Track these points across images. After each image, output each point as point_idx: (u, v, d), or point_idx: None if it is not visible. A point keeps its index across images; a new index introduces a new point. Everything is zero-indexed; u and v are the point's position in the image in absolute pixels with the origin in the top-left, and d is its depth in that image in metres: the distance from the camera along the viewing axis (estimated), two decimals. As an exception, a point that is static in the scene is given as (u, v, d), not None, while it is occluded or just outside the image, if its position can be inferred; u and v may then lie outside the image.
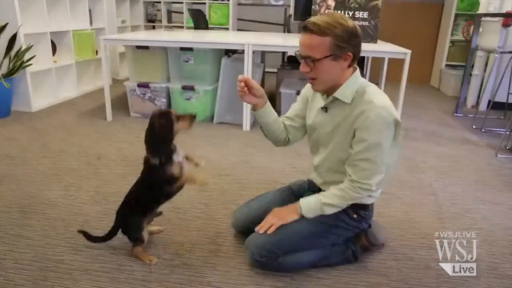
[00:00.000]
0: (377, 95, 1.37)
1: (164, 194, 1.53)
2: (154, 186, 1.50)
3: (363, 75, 3.87)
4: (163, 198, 1.56)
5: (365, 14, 3.38)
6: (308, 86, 1.61)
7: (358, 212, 1.54)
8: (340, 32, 1.29)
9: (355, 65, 1.42)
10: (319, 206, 1.47)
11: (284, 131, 1.62)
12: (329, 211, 1.47)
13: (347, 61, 1.35)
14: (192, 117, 1.47)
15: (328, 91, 1.44)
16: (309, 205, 1.49)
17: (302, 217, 1.49)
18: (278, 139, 1.63)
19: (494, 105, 3.72)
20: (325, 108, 1.48)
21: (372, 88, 1.40)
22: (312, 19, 1.31)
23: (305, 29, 1.31)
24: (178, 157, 1.49)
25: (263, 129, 1.61)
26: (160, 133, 1.43)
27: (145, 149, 1.48)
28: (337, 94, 1.41)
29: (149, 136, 1.46)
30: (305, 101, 1.62)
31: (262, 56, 4.10)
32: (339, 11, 3.42)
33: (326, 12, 3.45)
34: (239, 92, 1.47)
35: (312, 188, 1.67)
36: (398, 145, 1.47)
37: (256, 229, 1.51)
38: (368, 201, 1.54)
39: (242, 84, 1.45)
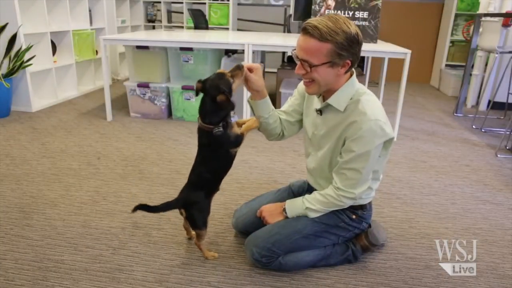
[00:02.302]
0: (371, 107, 1.33)
1: (231, 158, 1.52)
2: (223, 152, 1.49)
3: (363, 75, 3.88)
4: (229, 167, 1.55)
5: (365, 14, 3.38)
6: None
7: (356, 212, 1.54)
8: (342, 39, 1.23)
9: (352, 70, 1.38)
10: (302, 211, 1.50)
11: (280, 125, 1.61)
12: (313, 215, 1.50)
13: (344, 68, 1.31)
14: (241, 68, 1.41)
15: (324, 94, 1.44)
16: (294, 209, 1.52)
17: (285, 222, 1.52)
18: (273, 133, 1.61)
19: (494, 105, 3.73)
20: (319, 111, 1.47)
21: (367, 97, 1.36)
22: (314, 21, 1.24)
23: (305, 31, 1.26)
24: (232, 118, 1.49)
25: None
26: (223, 105, 1.38)
27: (203, 121, 1.43)
28: (331, 100, 1.39)
29: (209, 108, 1.41)
30: (302, 96, 1.60)
31: (262, 56, 4.10)
32: (339, 11, 3.42)
33: (326, 12, 3.44)
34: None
35: (311, 189, 1.67)
36: (387, 156, 1.47)
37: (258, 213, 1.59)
38: (364, 200, 1.54)
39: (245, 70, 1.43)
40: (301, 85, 1.61)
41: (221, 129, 1.42)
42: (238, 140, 1.48)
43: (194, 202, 1.53)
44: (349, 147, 1.35)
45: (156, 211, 1.55)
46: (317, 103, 1.49)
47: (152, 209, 1.52)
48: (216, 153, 1.49)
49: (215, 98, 1.37)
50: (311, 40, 1.25)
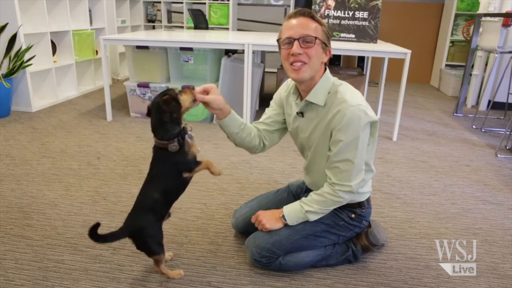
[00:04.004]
0: (350, 94, 1.37)
1: (183, 183, 1.42)
2: (175, 174, 1.38)
3: (363, 75, 3.88)
4: (181, 191, 1.45)
5: (365, 14, 3.38)
6: (280, 90, 1.61)
7: (355, 211, 1.54)
8: (327, 25, 1.39)
9: (326, 65, 1.44)
10: (302, 215, 1.47)
11: (257, 137, 1.59)
12: (314, 217, 1.47)
13: (327, 56, 1.40)
14: (191, 88, 1.38)
15: (302, 93, 1.45)
16: (293, 215, 1.48)
17: (286, 225, 1.49)
18: (250, 145, 1.59)
19: (494, 105, 3.73)
20: (301, 113, 1.48)
21: (344, 87, 1.40)
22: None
23: (302, 13, 1.35)
24: (190, 139, 1.40)
25: (229, 138, 1.56)
26: (168, 110, 1.31)
27: (156, 137, 1.36)
28: (310, 97, 1.41)
29: (157, 120, 1.33)
30: (281, 105, 1.60)
31: (262, 56, 4.10)
32: (339, 12, 3.42)
33: (326, 13, 3.45)
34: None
35: (309, 189, 1.67)
36: (375, 142, 1.47)
37: (253, 219, 1.55)
38: (361, 197, 1.53)
39: (196, 92, 1.38)
40: (276, 96, 1.63)
41: (175, 143, 1.33)
42: (194, 163, 1.38)
43: (141, 228, 1.39)
44: (336, 137, 1.36)
45: (104, 241, 1.39)
46: (295, 108, 1.50)
47: (100, 238, 1.35)
48: (168, 171, 1.39)
49: (161, 106, 1.30)
50: (308, 19, 1.35)
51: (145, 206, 1.41)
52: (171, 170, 1.38)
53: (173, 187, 1.42)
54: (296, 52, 1.32)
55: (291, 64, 1.36)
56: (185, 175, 1.40)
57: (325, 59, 1.39)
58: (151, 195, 1.40)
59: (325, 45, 1.37)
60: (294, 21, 1.35)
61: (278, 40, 1.40)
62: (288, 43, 1.35)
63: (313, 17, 1.35)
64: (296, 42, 1.33)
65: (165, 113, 1.31)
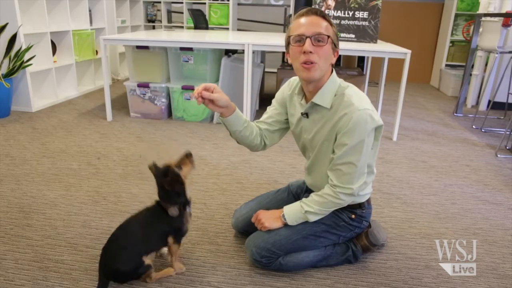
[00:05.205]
0: (357, 97, 1.35)
1: (163, 242, 1.47)
2: (163, 234, 1.43)
3: (363, 75, 3.88)
4: (157, 248, 1.49)
5: (365, 14, 3.38)
6: (283, 89, 1.60)
7: (355, 212, 1.54)
8: (336, 27, 1.40)
9: (333, 66, 1.43)
10: (302, 215, 1.47)
11: (258, 136, 1.59)
12: (313, 218, 1.47)
13: (335, 57, 1.38)
14: (189, 156, 1.41)
15: (308, 95, 1.44)
16: (293, 215, 1.48)
17: (286, 225, 1.50)
18: (252, 144, 1.59)
19: (494, 105, 3.73)
20: (305, 114, 1.47)
21: (350, 90, 1.39)
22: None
23: (314, 12, 1.34)
24: (189, 216, 1.47)
25: (232, 136, 1.56)
26: (172, 190, 1.38)
27: (161, 200, 1.43)
28: (316, 99, 1.40)
29: (163, 194, 1.40)
30: (283, 105, 1.59)
31: (262, 56, 4.10)
32: (339, 12, 3.42)
33: (326, 12, 3.45)
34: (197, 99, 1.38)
35: (309, 190, 1.67)
36: (378, 145, 1.47)
37: (253, 219, 1.56)
38: (362, 198, 1.53)
39: (199, 91, 1.37)
40: (279, 95, 1.61)
41: (177, 208, 1.40)
42: (182, 235, 1.47)
43: (115, 269, 1.38)
44: (341, 141, 1.35)
45: None
46: (299, 108, 1.50)
47: None
48: (158, 227, 1.42)
49: (164, 186, 1.36)
50: (320, 18, 1.33)
51: (118, 243, 1.41)
52: (161, 228, 1.43)
53: (154, 241, 1.44)
54: (308, 49, 1.30)
55: (302, 63, 1.33)
56: (170, 240, 1.44)
57: (333, 60, 1.38)
58: (130, 230, 1.43)
59: (335, 46, 1.36)
60: (305, 19, 1.33)
61: (288, 38, 1.37)
62: (299, 41, 1.33)
63: (324, 16, 1.34)
64: (308, 40, 1.30)
65: (170, 191, 1.38)
